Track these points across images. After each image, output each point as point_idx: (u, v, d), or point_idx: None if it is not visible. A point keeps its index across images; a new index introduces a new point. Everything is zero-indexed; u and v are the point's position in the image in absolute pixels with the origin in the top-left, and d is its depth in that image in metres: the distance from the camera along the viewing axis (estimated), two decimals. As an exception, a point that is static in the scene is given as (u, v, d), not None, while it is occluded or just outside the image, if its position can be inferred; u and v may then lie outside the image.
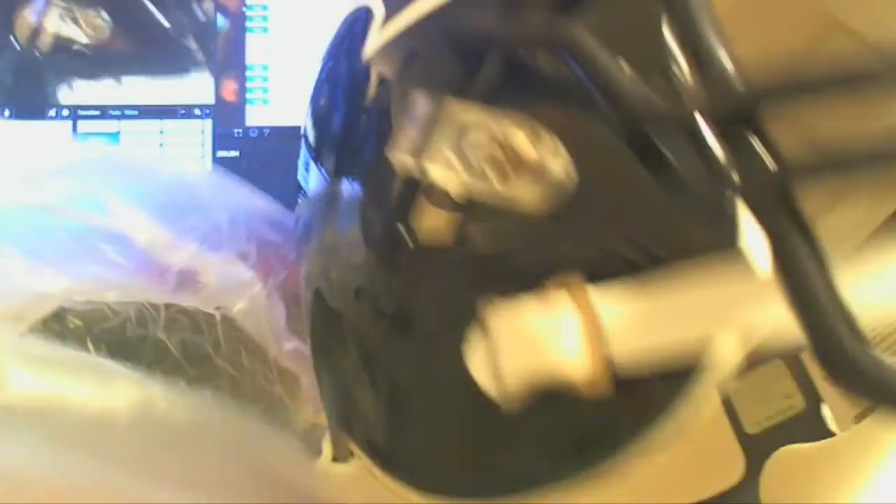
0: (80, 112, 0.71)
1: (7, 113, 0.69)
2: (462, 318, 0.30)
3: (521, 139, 0.28)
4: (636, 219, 0.28)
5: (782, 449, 0.39)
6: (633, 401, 0.29)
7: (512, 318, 0.29)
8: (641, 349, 0.27)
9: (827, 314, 0.24)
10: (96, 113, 0.72)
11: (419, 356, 0.33)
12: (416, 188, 0.31)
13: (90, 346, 0.48)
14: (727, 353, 0.28)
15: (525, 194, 0.28)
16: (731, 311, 0.26)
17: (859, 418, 0.40)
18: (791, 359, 0.44)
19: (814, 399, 0.43)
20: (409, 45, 0.34)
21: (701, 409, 0.29)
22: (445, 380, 0.32)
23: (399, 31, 0.34)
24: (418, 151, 0.30)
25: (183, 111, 0.72)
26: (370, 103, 0.35)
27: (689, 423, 0.30)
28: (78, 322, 0.47)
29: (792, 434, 0.41)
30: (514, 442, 0.31)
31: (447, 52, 0.32)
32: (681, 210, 0.27)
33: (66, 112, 0.70)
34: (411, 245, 0.32)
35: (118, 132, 0.72)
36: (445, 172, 0.29)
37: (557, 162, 0.27)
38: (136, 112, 0.72)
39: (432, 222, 0.31)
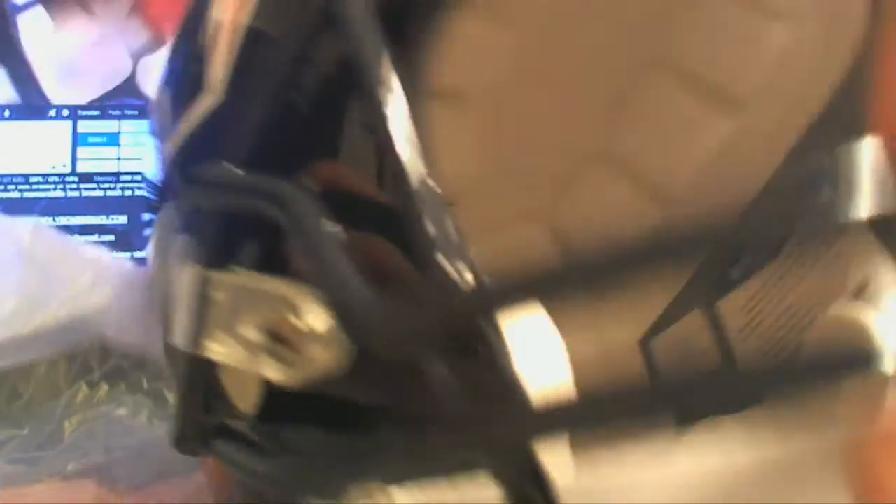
0: (81, 112, 0.71)
1: (7, 113, 0.69)
2: None
3: (290, 312, 0.25)
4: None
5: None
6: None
7: None
8: None
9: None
10: (96, 113, 0.72)
11: None
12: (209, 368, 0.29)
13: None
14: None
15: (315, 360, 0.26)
16: None
17: None
18: (709, 309, 0.41)
19: (728, 351, 0.40)
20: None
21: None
22: None
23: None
24: (196, 335, 0.28)
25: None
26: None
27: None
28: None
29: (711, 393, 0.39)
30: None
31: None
32: None
33: (65, 112, 0.71)
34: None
35: (118, 132, 0.72)
36: (226, 352, 0.27)
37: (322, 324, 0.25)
38: (135, 112, 0.72)
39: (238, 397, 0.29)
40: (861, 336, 0.31)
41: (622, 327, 0.44)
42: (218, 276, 0.27)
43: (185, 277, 0.28)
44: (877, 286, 0.34)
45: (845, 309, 0.32)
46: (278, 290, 0.26)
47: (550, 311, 0.41)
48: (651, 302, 0.44)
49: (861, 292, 0.35)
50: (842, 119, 0.37)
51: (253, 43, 0.29)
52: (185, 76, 0.33)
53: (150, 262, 0.35)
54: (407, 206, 0.23)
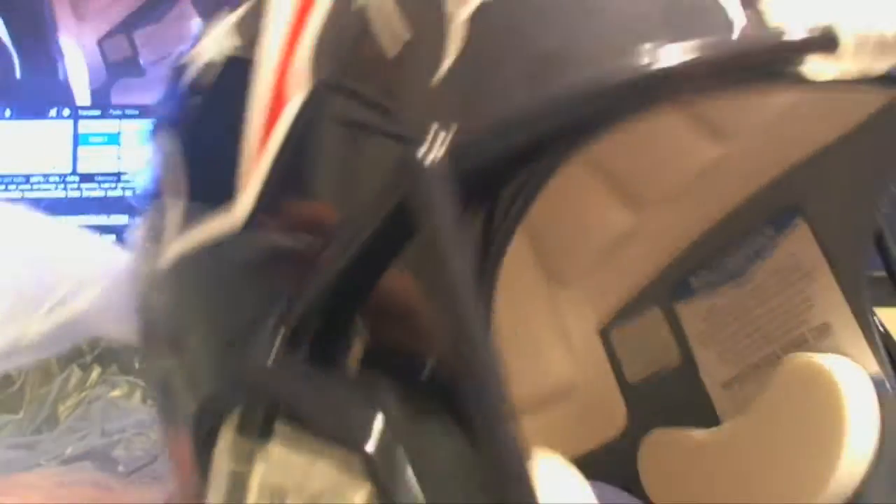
0: (81, 112, 0.72)
1: (8, 113, 0.70)
2: None
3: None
4: None
5: (664, 431, 0.41)
6: None
7: None
8: None
9: None
10: (97, 113, 0.72)
11: None
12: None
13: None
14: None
15: None
16: None
17: (728, 385, 0.41)
18: (667, 308, 0.43)
19: (688, 353, 0.42)
20: None
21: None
22: None
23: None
24: None
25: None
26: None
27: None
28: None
29: (669, 385, 0.42)
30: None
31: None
32: None
33: (66, 112, 0.71)
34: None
35: (118, 132, 0.72)
36: None
37: None
38: (136, 112, 0.73)
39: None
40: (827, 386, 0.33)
41: (582, 316, 0.45)
42: (261, 448, 0.25)
43: (223, 448, 0.26)
44: (838, 332, 0.37)
45: (812, 357, 0.35)
46: (328, 475, 0.24)
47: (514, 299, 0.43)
48: (609, 295, 0.45)
49: (823, 334, 0.37)
50: (828, 165, 0.37)
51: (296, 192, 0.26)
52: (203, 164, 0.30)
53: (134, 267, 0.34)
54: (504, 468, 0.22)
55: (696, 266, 0.42)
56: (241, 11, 0.30)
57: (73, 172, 0.70)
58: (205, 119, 0.30)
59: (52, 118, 0.71)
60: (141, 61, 0.79)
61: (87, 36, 0.78)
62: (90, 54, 0.78)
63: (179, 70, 0.32)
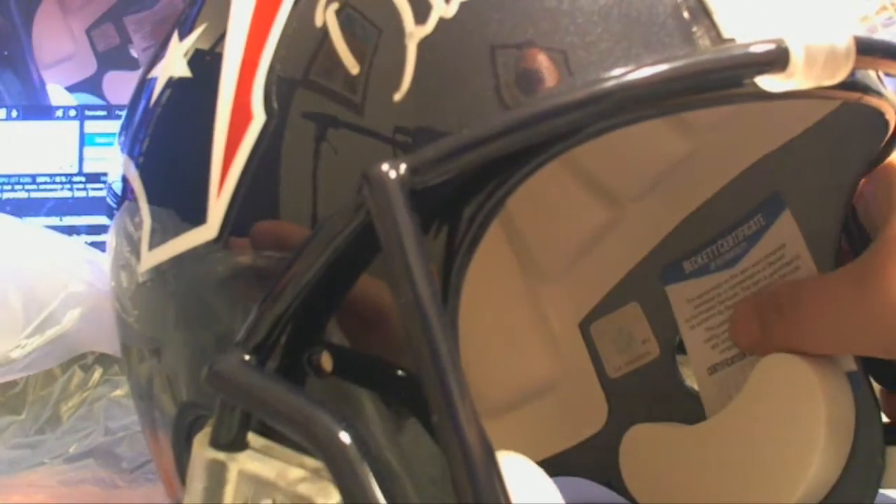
0: (87, 112, 0.72)
1: (14, 114, 0.70)
2: None
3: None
4: None
5: (645, 427, 0.42)
6: None
7: None
8: None
9: None
10: (103, 113, 0.72)
11: None
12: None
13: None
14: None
15: None
16: None
17: (713, 370, 0.41)
18: (648, 302, 0.43)
19: (668, 346, 0.43)
20: None
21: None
22: None
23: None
24: None
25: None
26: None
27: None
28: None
29: (649, 380, 0.43)
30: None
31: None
32: None
33: (73, 112, 0.71)
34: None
35: (125, 132, 0.72)
36: None
37: None
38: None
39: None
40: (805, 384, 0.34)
41: (562, 311, 0.46)
42: (234, 461, 0.25)
43: (199, 456, 0.26)
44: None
45: (789, 354, 0.35)
46: (300, 484, 0.24)
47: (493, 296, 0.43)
48: (589, 288, 0.45)
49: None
50: (801, 153, 0.38)
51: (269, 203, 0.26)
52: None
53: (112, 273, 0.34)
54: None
55: (688, 251, 0.42)
56: (200, 29, 0.30)
57: (80, 173, 0.71)
58: (171, 133, 0.30)
59: (58, 118, 0.71)
60: (132, 50, 0.79)
61: (75, 26, 0.78)
62: (80, 44, 0.78)
63: (144, 84, 0.32)
